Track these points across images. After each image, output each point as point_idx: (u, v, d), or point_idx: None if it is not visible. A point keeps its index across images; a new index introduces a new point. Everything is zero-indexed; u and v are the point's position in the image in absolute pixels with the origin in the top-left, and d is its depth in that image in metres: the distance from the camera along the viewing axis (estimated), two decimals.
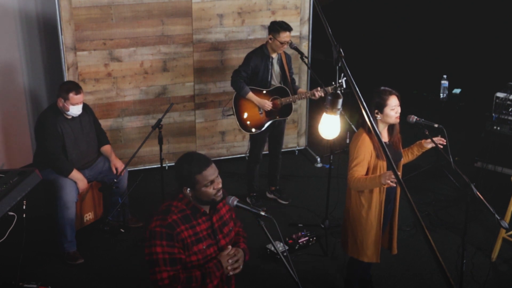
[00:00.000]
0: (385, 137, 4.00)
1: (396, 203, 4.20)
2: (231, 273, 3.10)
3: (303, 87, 6.46)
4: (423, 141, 4.14)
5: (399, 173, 4.11)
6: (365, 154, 3.87)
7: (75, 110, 4.93)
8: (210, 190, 3.02)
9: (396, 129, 4.02)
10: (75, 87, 4.92)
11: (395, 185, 3.79)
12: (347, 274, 4.43)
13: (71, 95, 4.86)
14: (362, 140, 3.88)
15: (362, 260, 4.16)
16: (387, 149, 3.88)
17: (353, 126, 6.80)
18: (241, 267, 3.14)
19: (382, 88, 3.93)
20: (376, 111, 3.89)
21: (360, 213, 4.03)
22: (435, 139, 4.09)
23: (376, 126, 3.91)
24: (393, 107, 3.87)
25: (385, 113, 3.87)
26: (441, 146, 4.08)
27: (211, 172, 3.00)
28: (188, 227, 3.02)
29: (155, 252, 2.97)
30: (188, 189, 3.02)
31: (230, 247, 3.14)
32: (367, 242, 4.07)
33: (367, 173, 3.92)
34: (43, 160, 4.97)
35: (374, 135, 3.79)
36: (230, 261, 3.10)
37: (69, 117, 4.98)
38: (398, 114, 3.90)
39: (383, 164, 3.91)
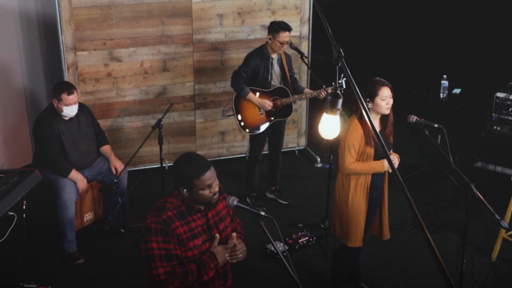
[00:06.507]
0: (376, 127, 4.08)
1: (384, 191, 4.30)
2: (234, 261, 3.14)
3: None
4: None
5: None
6: (356, 139, 4.01)
7: (69, 110, 4.89)
8: (207, 193, 3.03)
9: (390, 121, 4.12)
10: (68, 88, 4.86)
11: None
12: (334, 262, 4.56)
13: (64, 95, 4.82)
14: (354, 126, 4.00)
15: (346, 245, 4.27)
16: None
17: None
18: (240, 256, 3.16)
19: (377, 78, 4.05)
20: (367, 99, 4.01)
21: (347, 199, 4.15)
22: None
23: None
24: (384, 98, 3.97)
25: (376, 102, 3.98)
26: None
27: (209, 177, 3.01)
28: (183, 223, 3.04)
29: (150, 248, 3.00)
30: (185, 189, 3.04)
31: (217, 236, 3.16)
32: (351, 227, 4.18)
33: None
34: (42, 160, 4.96)
35: (365, 122, 3.95)
36: (226, 254, 3.13)
37: (66, 118, 4.97)
38: (389, 106, 4.01)
39: (371, 150, 4.03)
